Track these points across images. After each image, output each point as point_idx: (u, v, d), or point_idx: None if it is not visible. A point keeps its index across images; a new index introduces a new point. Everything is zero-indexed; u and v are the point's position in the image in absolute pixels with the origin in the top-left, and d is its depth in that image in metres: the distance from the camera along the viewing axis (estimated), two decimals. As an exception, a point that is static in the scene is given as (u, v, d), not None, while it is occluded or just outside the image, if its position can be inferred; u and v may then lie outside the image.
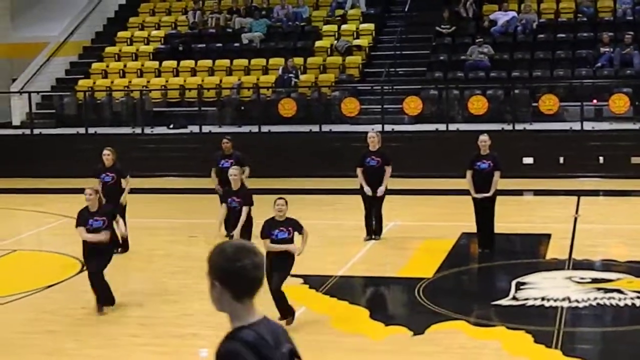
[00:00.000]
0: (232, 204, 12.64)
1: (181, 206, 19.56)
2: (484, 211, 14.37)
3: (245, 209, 12.57)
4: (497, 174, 14.38)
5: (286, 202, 11.18)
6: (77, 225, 11.86)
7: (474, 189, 14.42)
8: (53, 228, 17.73)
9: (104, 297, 11.64)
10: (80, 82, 26.01)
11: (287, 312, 10.73)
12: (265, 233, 10.88)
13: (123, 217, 13.64)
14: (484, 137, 14.76)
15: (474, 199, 14.43)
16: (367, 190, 15.09)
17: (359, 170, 15.51)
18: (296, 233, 11.00)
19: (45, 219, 18.46)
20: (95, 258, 11.56)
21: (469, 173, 14.50)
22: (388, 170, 15.45)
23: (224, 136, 15.88)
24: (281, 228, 10.91)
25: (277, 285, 10.54)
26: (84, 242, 11.70)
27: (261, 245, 10.21)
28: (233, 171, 12.99)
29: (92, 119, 24.25)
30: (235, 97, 24.32)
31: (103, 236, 11.61)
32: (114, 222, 12.10)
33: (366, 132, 21.97)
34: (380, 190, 15.12)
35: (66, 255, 15.19)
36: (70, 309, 12.01)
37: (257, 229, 11.63)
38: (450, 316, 11.20)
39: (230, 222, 12.77)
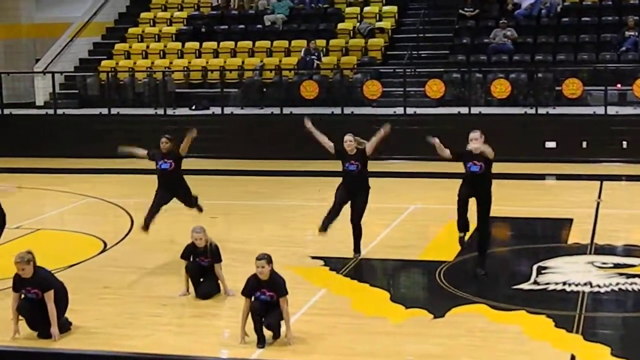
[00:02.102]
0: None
1: (202, 187, 19.56)
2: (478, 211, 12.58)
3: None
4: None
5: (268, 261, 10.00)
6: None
7: (465, 190, 12.61)
8: (76, 208, 17.83)
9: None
10: (103, 62, 26.09)
11: None
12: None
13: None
14: (474, 135, 12.61)
15: (461, 198, 12.62)
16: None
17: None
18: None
19: (68, 198, 18.57)
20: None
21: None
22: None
23: (165, 135, 14.63)
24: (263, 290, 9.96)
25: None
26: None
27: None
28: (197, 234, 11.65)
29: (114, 99, 24.33)
30: (257, 78, 24.31)
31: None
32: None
33: (389, 115, 22.08)
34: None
35: (89, 234, 15.29)
36: (93, 288, 12.09)
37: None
38: (470, 300, 11.20)
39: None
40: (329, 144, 13.48)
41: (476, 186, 12.53)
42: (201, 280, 11.66)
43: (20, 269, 10.16)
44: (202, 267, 11.63)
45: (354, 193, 13.14)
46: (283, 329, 9.97)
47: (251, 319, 9.88)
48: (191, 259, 11.66)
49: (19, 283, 10.27)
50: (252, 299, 9.92)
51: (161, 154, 13.99)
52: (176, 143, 14.01)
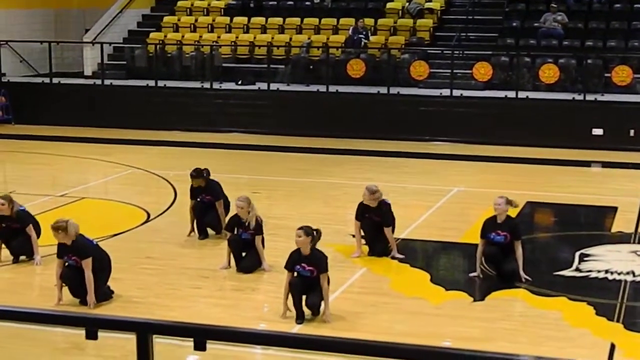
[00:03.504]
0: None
1: (246, 162, 19.68)
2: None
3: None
4: (518, 245, 11.26)
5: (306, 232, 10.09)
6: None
7: (485, 264, 11.56)
8: (120, 178, 17.99)
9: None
10: (152, 35, 26.21)
11: None
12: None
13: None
14: (499, 200, 11.40)
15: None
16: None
17: (356, 224, 12.37)
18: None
19: (113, 168, 18.73)
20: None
21: (481, 244, 11.44)
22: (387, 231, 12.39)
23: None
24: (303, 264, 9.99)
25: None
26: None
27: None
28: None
29: (161, 72, 24.44)
30: (304, 55, 24.30)
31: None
32: None
33: (436, 96, 22.02)
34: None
35: (133, 205, 15.42)
36: (135, 258, 12.20)
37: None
38: (511, 284, 11.15)
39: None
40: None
41: (499, 260, 11.38)
42: (243, 254, 11.73)
43: (55, 235, 10.38)
44: (244, 241, 11.69)
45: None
46: (322, 307, 10.01)
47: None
48: (235, 231, 11.73)
49: (61, 250, 10.47)
50: (294, 274, 9.97)
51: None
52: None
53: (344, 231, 13.32)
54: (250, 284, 11.29)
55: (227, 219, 12.63)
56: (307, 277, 9.93)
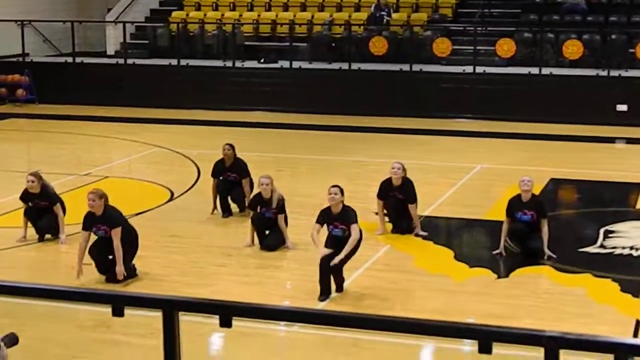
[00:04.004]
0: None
1: (269, 140, 19.70)
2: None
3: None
4: (544, 224, 11.23)
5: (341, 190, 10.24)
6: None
7: (510, 241, 11.58)
8: (144, 157, 18.05)
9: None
10: (174, 14, 26.23)
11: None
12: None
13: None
14: (525, 179, 11.39)
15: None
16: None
17: (379, 203, 12.35)
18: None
19: (136, 147, 18.80)
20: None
21: (506, 222, 11.45)
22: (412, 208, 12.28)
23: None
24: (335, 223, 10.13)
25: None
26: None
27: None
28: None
29: (184, 50, 24.46)
30: (326, 33, 24.26)
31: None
32: None
33: (458, 73, 21.93)
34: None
35: (156, 183, 15.48)
36: (160, 235, 12.26)
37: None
38: (535, 261, 11.12)
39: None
40: None
41: (524, 238, 11.37)
42: (266, 232, 11.77)
43: (91, 200, 10.37)
44: (267, 219, 11.72)
45: None
46: (346, 284, 10.04)
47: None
48: (258, 209, 11.76)
49: (89, 220, 10.48)
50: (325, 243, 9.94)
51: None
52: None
53: (367, 209, 13.29)
54: (274, 262, 11.33)
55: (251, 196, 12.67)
56: (339, 236, 9.97)
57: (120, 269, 10.33)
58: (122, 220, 10.58)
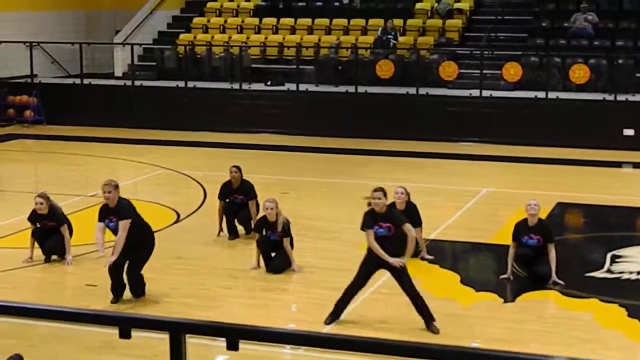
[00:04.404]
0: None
1: (275, 162, 19.72)
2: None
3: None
4: (551, 248, 11.18)
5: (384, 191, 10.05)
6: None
7: (517, 266, 11.53)
8: (150, 178, 18.06)
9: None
10: (182, 36, 26.33)
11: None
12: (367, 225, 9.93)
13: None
14: (532, 203, 11.39)
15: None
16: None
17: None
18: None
19: (143, 169, 18.81)
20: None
21: (512, 246, 11.42)
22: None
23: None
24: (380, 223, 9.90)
25: None
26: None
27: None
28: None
29: (191, 72, 24.53)
30: (333, 56, 24.32)
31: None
32: None
33: (465, 97, 21.95)
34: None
35: (162, 205, 15.49)
36: (166, 257, 12.24)
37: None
38: (542, 285, 11.09)
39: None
40: None
41: (531, 262, 11.36)
42: (272, 254, 11.76)
43: (107, 192, 10.37)
44: (272, 241, 11.72)
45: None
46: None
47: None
48: (263, 232, 11.76)
49: (103, 212, 10.52)
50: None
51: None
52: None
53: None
54: (280, 285, 11.31)
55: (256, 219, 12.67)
56: (386, 235, 9.85)
57: (112, 259, 10.27)
58: (134, 214, 10.52)
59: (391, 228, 9.83)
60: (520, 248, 11.33)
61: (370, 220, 9.89)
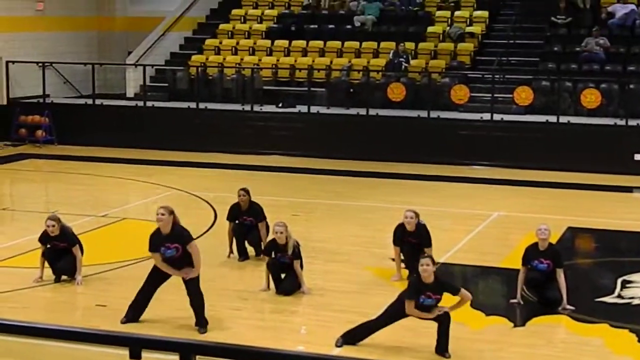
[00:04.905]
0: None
1: (285, 184, 19.73)
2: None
3: None
4: (560, 273, 11.16)
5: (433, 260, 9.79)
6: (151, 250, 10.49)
7: (527, 290, 11.55)
8: (161, 199, 18.08)
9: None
10: (194, 57, 26.42)
11: None
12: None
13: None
14: (543, 227, 11.37)
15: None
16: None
17: (396, 249, 12.35)
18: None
19: (154, 189, 18.85)
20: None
21: (522, 271, 11.42)
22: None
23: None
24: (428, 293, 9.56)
25: None
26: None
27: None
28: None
29: (203, 94, 24.62)
30: (344, 79, 24.37)
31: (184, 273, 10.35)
32: None
33: (476, 120, 21.96)
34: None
35: (173, 226, 15.47)
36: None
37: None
38: (552, 310, 11.05)
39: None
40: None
41: (541, 287, 11.33)
42: (282, 276, 11.75)
43: (160, 214, 10.25)
44: (282, 264, 11.72)
45: None
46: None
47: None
48: (273, 255, 11.76)
49: (156, 240, 10.32)
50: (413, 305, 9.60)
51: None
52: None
53: (383, 254, 13.28)
54: (289, 307, 11.30)
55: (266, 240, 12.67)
56: (432, 305, 9.58)
57: (188, 274, 10.11)
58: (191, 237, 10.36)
59: (439, 299, 9.57)
60: (530, 272, 11.30)
61: (415, 291, 9.58)
